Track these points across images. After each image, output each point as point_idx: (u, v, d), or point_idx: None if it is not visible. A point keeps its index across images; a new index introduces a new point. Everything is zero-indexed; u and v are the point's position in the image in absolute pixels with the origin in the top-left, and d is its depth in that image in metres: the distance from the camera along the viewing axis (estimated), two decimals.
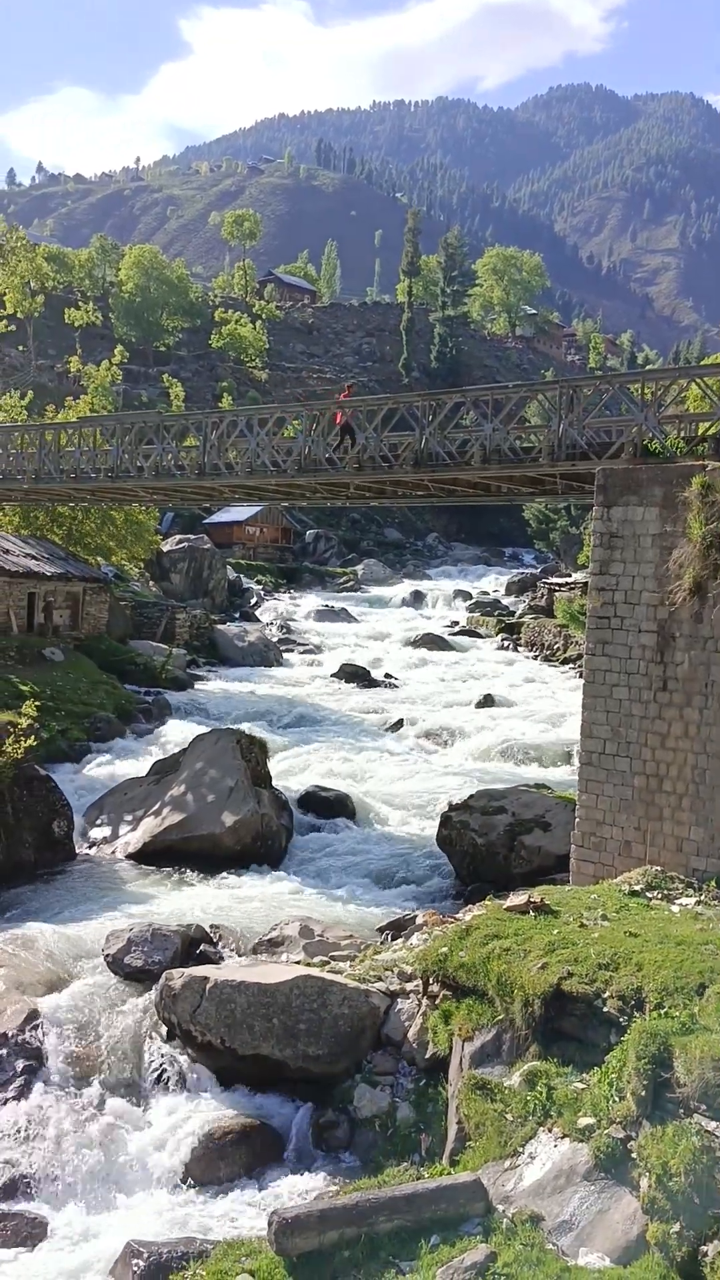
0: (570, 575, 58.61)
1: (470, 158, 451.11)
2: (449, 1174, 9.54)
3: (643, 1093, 8.52)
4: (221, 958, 14.85)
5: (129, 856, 21.04)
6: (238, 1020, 11.99)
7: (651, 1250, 7.89)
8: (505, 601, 66.25)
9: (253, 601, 63.37)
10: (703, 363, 68.30)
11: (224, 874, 19.88)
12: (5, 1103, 11.80)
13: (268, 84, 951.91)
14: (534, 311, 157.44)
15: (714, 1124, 8.05)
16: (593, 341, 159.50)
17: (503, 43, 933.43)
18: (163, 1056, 12.41)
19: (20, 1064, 12.25)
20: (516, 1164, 9.15)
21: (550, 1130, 9.21)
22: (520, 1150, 9.25)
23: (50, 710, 27.53)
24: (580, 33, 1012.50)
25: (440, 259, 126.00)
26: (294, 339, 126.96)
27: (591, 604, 16.11)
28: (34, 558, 37.90)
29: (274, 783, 23.08)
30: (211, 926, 15.96)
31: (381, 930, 16.24)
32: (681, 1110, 8.30)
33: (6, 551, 36.95)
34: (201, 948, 15.02)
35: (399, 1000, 12.35)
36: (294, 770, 26.82)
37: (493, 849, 19.20)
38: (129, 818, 22.21)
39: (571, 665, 43.04)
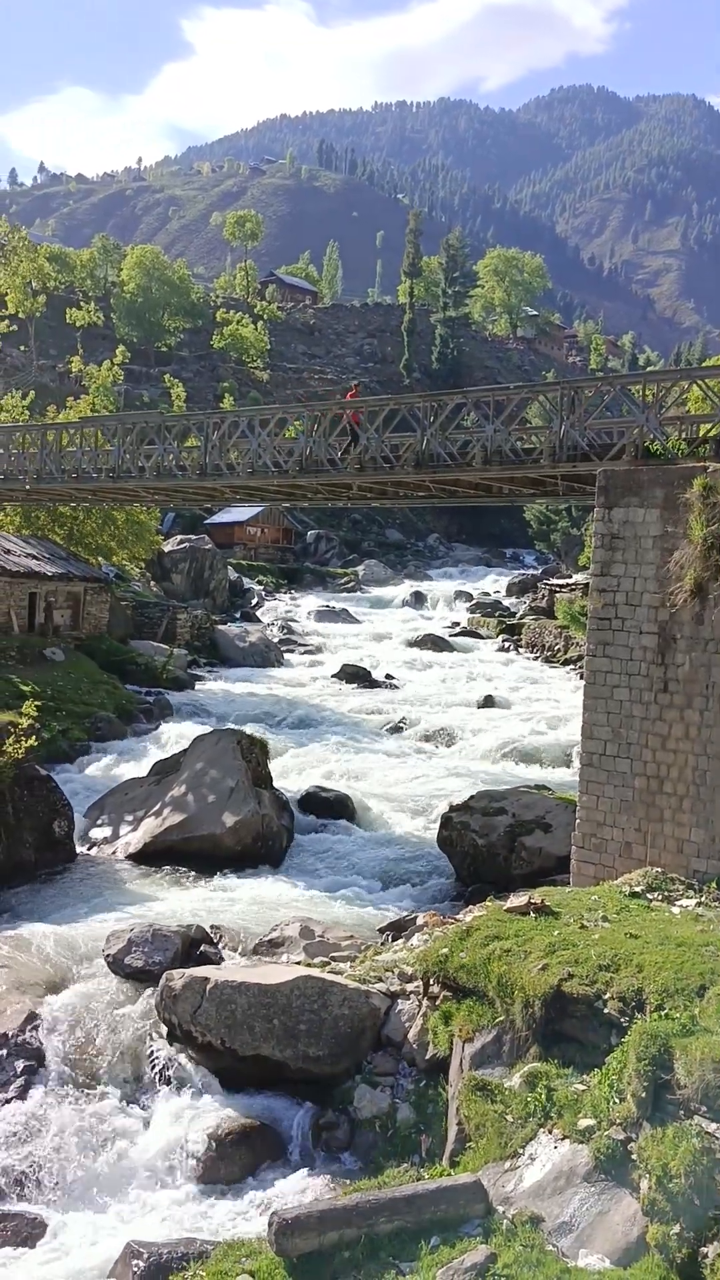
0: (571, 576, 58.61)
1: (472, 159, 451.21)
2: (449, 1175, 9.54)
3: (643, 1094, 8.52)
4: (222, 958, 14.86)
5: (129, 857, 21.04)
6: (238, 1021, 11.99)
7: (651, 1252, 7.89)
8: (506, 602, 66.26)
9: (254, 602, 63.39)
10: (704, 364, 68.32)
11: (224, 874, 19.88)
12: (5, 1103, 11.79)
13: (270, 84, 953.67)
14: (535, 313, 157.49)
15: (714, 1125, 8.05)
16: (594, 343, 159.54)
17: (505, 43, 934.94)
18: (163, 1057, 12.41)
19: (20, 1064, 12.25)
20: (517, 1165, 9.15)
21: (550, 1131, 9.21)
22: (520, 1151, 9.25)
23: (51, 710, 27.55)
24: (582, 34, 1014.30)
25: (442, 260, 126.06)
26: (295, 340, 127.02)
27: (592, 605, 16.12)
28: (35, 558, 37.91)
29: (274, 783, 23.08)
30: (212, 927, 15.97)
31: (382, 931, 16.24)
32: (682, 1112, 8.30)
33: (8, 551, 36.97)
34: (202, 948, 15.01)
35: (399, 1001, 12.36)
36: (295, 771, 26.83)
37: (493, 850, 19.20)
38: (129, 818, 22.22)
39: (572, 666, 43.05)
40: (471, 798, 20.97)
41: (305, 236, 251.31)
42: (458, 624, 59.20)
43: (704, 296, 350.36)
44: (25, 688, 28.60)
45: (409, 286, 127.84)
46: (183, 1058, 12.32)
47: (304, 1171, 10.92)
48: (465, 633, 56.44)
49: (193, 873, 20.04)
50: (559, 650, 48.04)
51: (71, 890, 18.97)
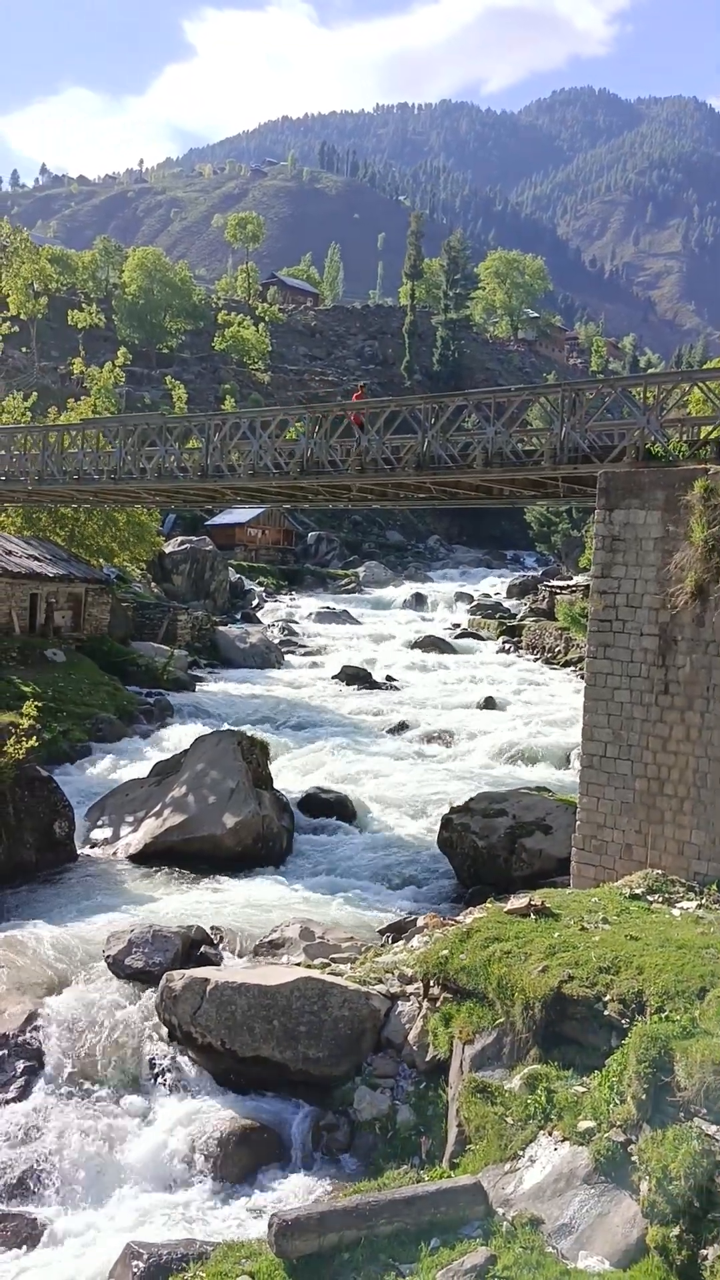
0: (572, 578, 58.62)
1: (473, 161, 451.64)
2: (449, 1177, 9.53)
3: (643, 1096, 8.52)
4: (222, 959, 14.87)
5: (130, 857, 21.04)
6: (238, 1022, 11.99)
7: (651, 1254, 7.88)
8: (506, 604, 66.30)
9: (254, 603, 63.44)
10: (705, 366, 68.33)
11: (225, 875, 19.88)
12: (5, 1104, 11.80)
13: (271, 86, 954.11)
14: (536, 315, 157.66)
15: (714, 1128, 8.04)
16: (595, 345, 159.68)
17: (506, 46, 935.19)
18: (163, 1058, 12.41)
19: (20, 1065, 12.25)
20: (517, 1167, 9.15)
21: (550, 1133, 9.21)
22: (520, 1153, 9.25)
23: (52, 711, 27.57)
24: (584, 36, 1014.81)
25: (443, 262, 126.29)
26: (296, 341, 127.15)
27: (593, 607, 16.12)
28: (36, 559, 37.94)
29: (275, 784, 23.09)
30: (212, 928, 15.96)
31: (382, 932, 16.23)
32: (682, 1114, 8.30)
33: (9, 553, 37.00)
34: (202, 949, 15.02)
35: (399, 1003, 12.35)
36: (295, 772, 26.84)
37: (493, 852, 19.20)
38: (130, 819, 22.22)
39: (573, 668, 43.05)
40: (472, 799, 20.97)
41: (307, 238, 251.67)
42: (458, 625, 59.23)
43: (705, 299, 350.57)
44: (26, 689, 28.61)
45: (410, 288, 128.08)
46: (183, 1059, 12.32)
47: (304, 1173, 10.92)
48: (466, 634, 56.47)
49: (193, 874, 20.04)
50: (559, 652, 48.05)
51: (72, 891, 18.97)
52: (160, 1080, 12.21)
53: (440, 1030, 11.34)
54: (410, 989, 12.46)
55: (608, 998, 9.74)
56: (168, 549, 58.12)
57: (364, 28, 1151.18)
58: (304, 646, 51.42)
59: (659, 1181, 7.97)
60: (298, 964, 13.82)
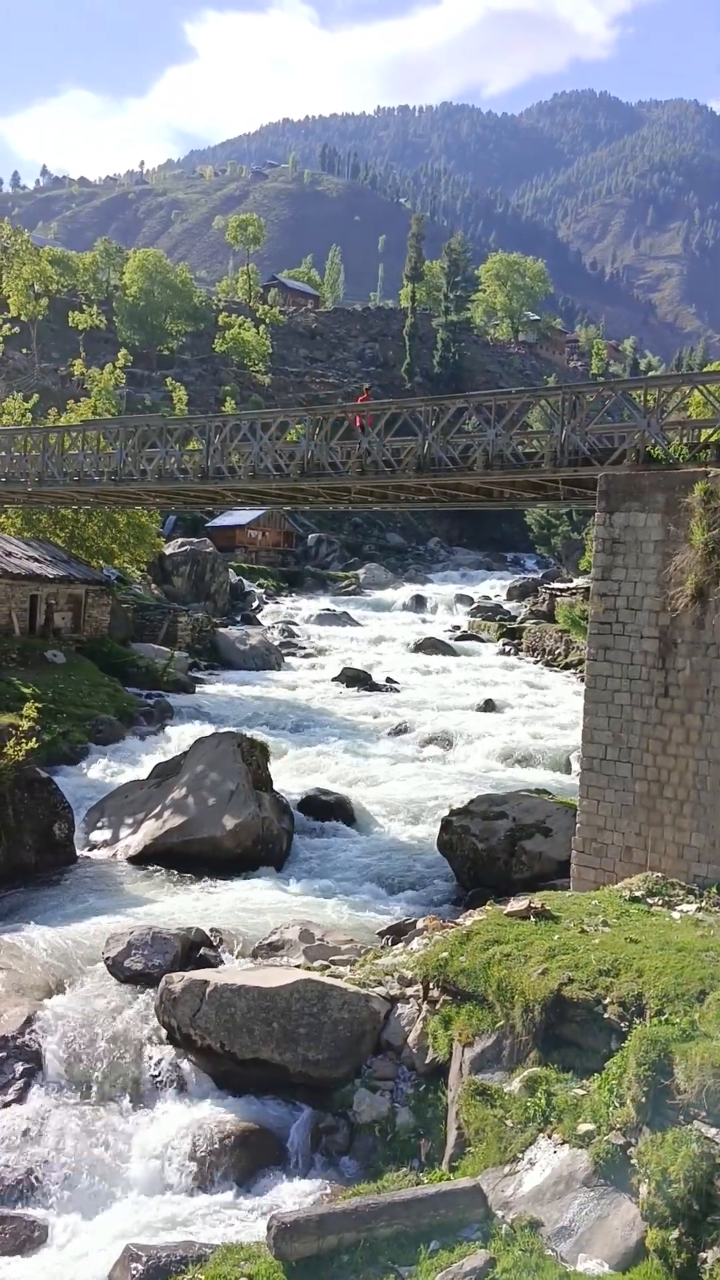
0: (572, 580, 58.67)
1: (474, 163, 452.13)
2: (448, 1179, 9.53)
3: (643, 1099, 8.52)
4: (221, 961, 14.86)
5: (129, 859, 21.04)
6: (238, 1024, 11.99)
7: (651, 1256, 7.88)
8: (507, 606, 66.33)
9: (254, 605, 63.45)
10: (705, 369, 68.40)
11: (224, 877, 19.86)
12: (5, 1106, 11.79)
13: (272, 88, 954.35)
14: (537, 317, 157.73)
15: (714, 1131, 8.04)
16: (595, 348, 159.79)
17: (508, 48, 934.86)
18: (162, 1060, 12.40)
19: (20, 1067, 12.24)
20: (516, 1170, 9.15)
21: (550, 1136, 9.21)
22: (520, 1156, 9.25)
23: (52, 712, 27.55)
24: (586, 39, 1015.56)
25: (443, 264, 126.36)
26: (297, 343, 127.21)
27: (593, 609, 16.13)
28: (36, 560, 37.95)
29: (275, 786, 23.07)
30: (212, 930, 15.95)
31: (382, 935, 16.23)
32: (681, 1117, 8.29)
33: (9, 554, 37.00)
34: (201, 951, 15.01)
35: (399, 1005, 12.35)
36: (295, 774, 26.83)
37: (493, 854, 19.20)
38: (130, 820, 22.22)
39: (573, 670, 43.07)
40: (472, 802, 20.96)
41: (307, 240, 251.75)
42: (458, 628, 59.27)
43: (705, 302, 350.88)
44: (26, 690, 28.60)
45: (411, 291, 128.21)
46: (182, 1061, 12.32)
47: (303, 1175, 10.91)
48: (466, 636, 56.51)
49: (192, 875, 20.03)
50: (559, 654, 48.08)
51: (71, 892, 18.96)
52: (159, 1083, 12.20)
53: (440, 1033, 11.34)
54: (410, 991, 12.46)
55: (607, 1000, 9.74)
56: (168, 550, 58.13)
57: (365, 30, 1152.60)
58: (304, 648, 51.43)
59: (658, 1184, 7.96)
60: (297, 966, 13.81)
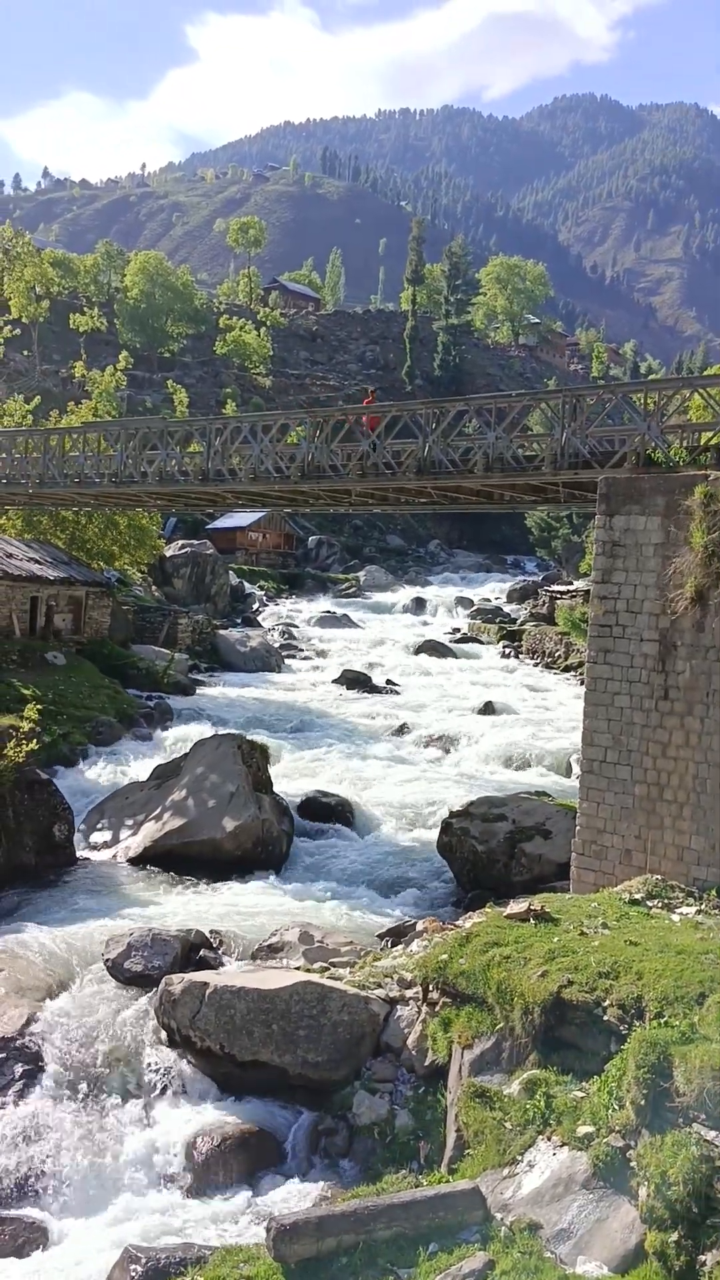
0: (572, 583, 58.70)
1: (475, 167, 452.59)
2: (447, 1182, 9.53)
3: (642, 1102, 8.52)
4: (221, 963, 14.85)
5: (129, 861, 21.04)
6: (237, 1026, 11.99)
7: (650, 1259, 7.88)
8: (507, 609, 66.32)
9: (255, 607, 63.47)
10: (705, 373, 68.48)
11: (224, 879, 19.87)
12: (4, 1107, 11.79)
13: (273, 91, 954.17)
14: (537, 320, 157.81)
15: (713, 1133, 8.05)
16: (596, 351, 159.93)
17: (509, 52, 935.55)
18: (162, 1062, 12.41)
19: (19, 1068, 12.25)
20: (515, 1172, 9.15)
21: (549, 1138, 9.21)
22: (519, 1158, 9.25)
23: (52, 714, 27.54)
24: (587, 43, 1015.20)
25: (444, 267, 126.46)
26: (298, 346, 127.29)
27: (593, 612, 16.14)
28: (37, 562, 37.95)
29: (275, 788, 23.08)
30: (211, 932, 15.95)
31: (381, 937, 16.23)
32: (681, 1119, 8.30)
33: (10, 555, 37.01)
34: (201, 953, 15.02)
35: (398, 1007, 12.35)
36: (295, 776, 26.82)
37: (493, 856, 19.20)
38: (130, 822, 22.22)
39: (573, 673, 43.07)
40: (471, 804, 20.96)
41: (308, 243, 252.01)
42: (458, 630, 59.28)
43: (706, 305, 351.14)
44: (26, 691, 28.60)
45: (411, 294, 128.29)
46: (182, 1063, 12.32)
47: (302, 1178, 10.91)
48: (466, 639, 56.52)
49: (192, 877, 20.03)
50: (560, 657, 48.08)
51: (71, 894, 18.96)
52: (159, 1084, 12.20)
53: (439, 1035, 11.34)
54: (409, 993, 12.46)
55: (607, 1003, 9.74)
56: (168, 552, 58.15)
57: (366, 33, 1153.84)
58: (304, 650, 51.44)
59: (658, 1187, 7.97)
60: (297, 968, 13.82)
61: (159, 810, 21.74)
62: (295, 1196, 10.51)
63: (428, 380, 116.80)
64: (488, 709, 36.33)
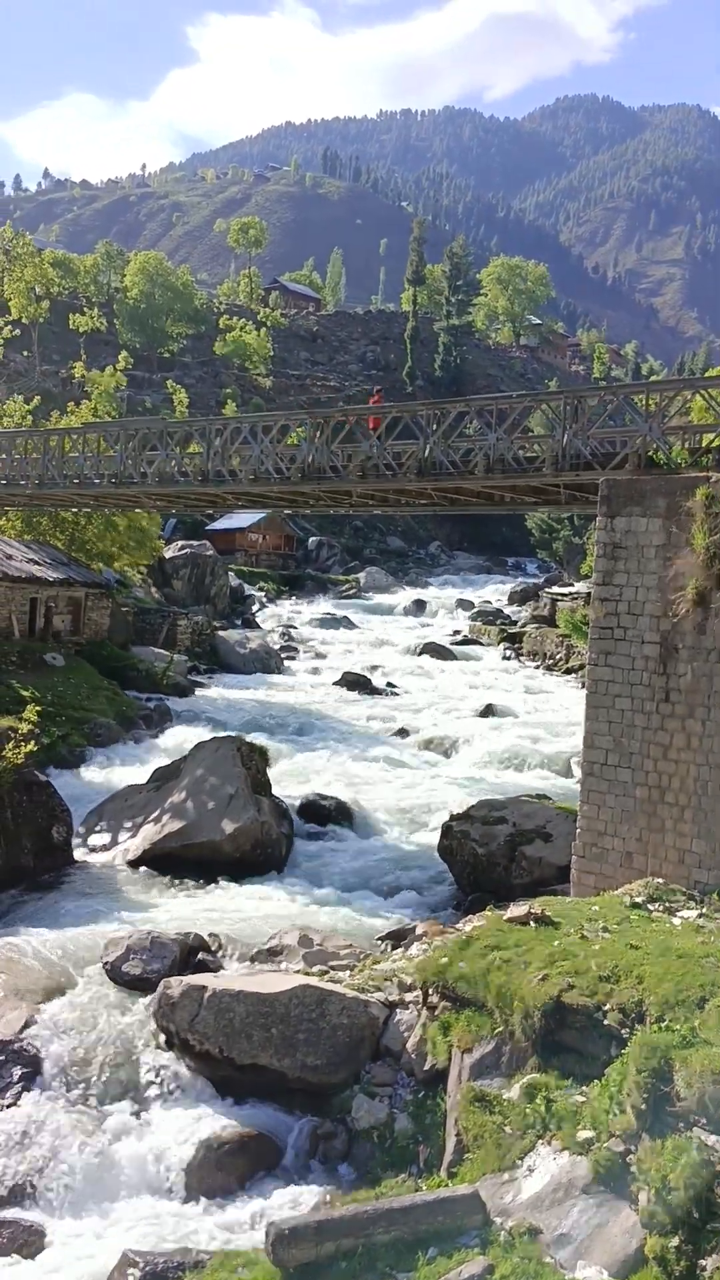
0: (573, 585, 58.72)
1: (476, 167, 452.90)
2: (447, 1186, 9.50)
3: (643, 1106, 8.49)
4: (220, 966, 14.81)
5: (128, 863, 21.01)
6: (236, 1029, 11.95)
7: (650, 1264, 7.84)
8: (507, 611, 66.34)
9: (254, 608, 63.46)
10: (707, 374, 68.45)
11: (223, 881, 19.84)
12: (2, 1109, 11.76)
13: (274, 91, 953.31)
14: (538, 321, 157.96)
15: (714, 1138, 8.01)
16: (597, 352, 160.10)
17: (510, 52, 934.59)
18: (160, 1065, 12.36)
19: (17, 1071, 12.21)
20: (515, 1176, 9.11)
21: (549, 1143, 9.18)
22: (519, 1163, 9.21)
23: (51, 716, 27.52)
24: (588, 43, 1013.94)
25: (445, 268, 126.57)
26: (298, 346, 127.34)
27: (594, 614, 16.11)
28: (36, 563, 37.94)
29: (274, 790, 23.04)
30: (210, 934, 15.92)
31: (381, 940, 16.21)
32: (681, 1124, 8.26)
33: (9, 557, 37.00)
34: (200, 956, 14.98)
35: (398, 1011, 12.31)
36: (294, 778, 26.80)
37: (493, 859, 19.17)
38: (129, 824, 22.19)
39: (574, 675, 43.06)
40: (472, 806, 20.93)
41: (309, 243, 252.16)
42: (459, 632, 59.28)
43: (707, 306, 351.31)
44: (25, 693, 28.59)
45: (412, 294, 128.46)
46: (180, 1066, 12.28)
47: (301, 1182, 10.87)
48: (466, 641, 56.53)
49: (191, 880, 19.99)
50: (560, 659, 48.07)
51: (69, 896, 18.93)
52: (157, 1088, 12.16)
53: (439, 1038, 11.30)
54: (409, 997, 12.42)
55: (607, 1007, 9.70)
56: (168, 554, 58.15)
57: (367, 33, 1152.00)
58: (304, 652, 51.42)
59: (658, 1192, 7.93)
60: (296, 971, 13.78)
61: (158, 812, 21.70)
62: (294, 1200, 10.47)
63: (428, 381, 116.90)
64: (488, 711, 36.33)
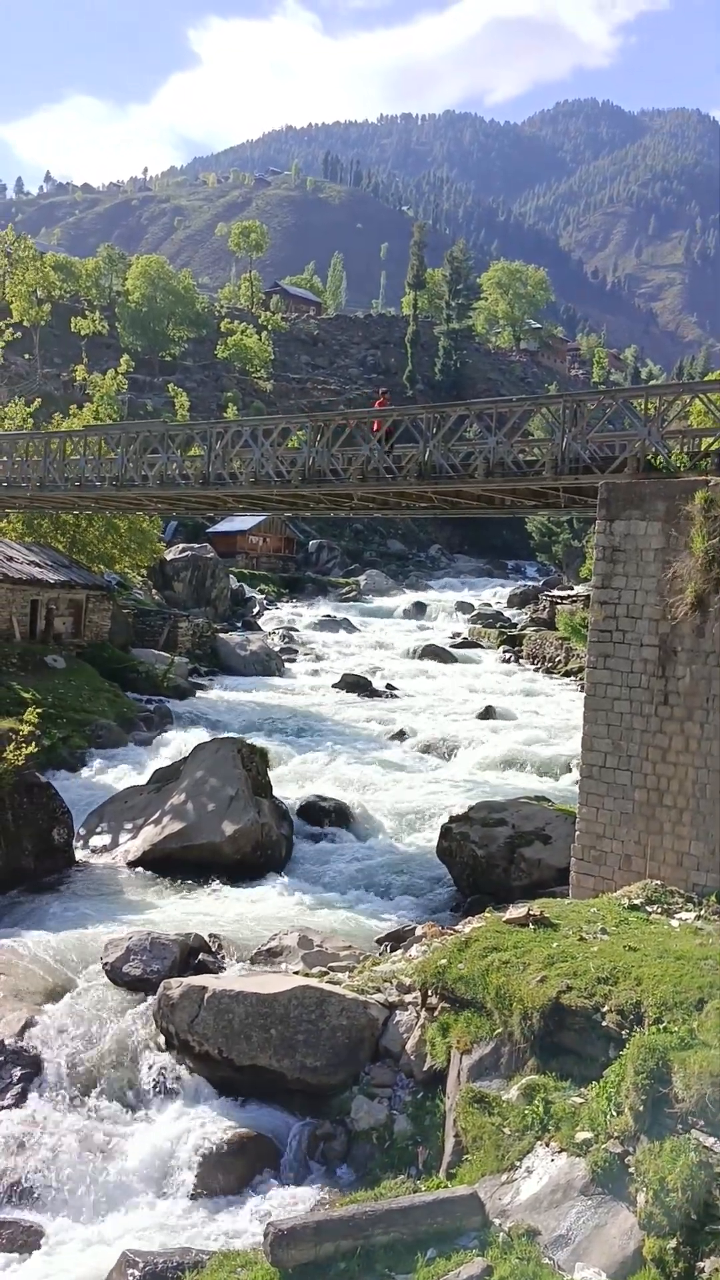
0: (572, 588, 58.72)
1: (476, 171, 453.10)
2: (446, 1187, 9.52)
3: (641, 1108, 8.51)
4: (220, 967, 14.83)
5: (129, 865, 21.03)
6: (236, 1030, 11.98)
7: (648, 1265, 7.87)
8: (507, 614, 66.37)
9: (255, 611, 63.49)
10: (706, 378, 68.52)
11: (223, 883, 19.86)
12: (2, 1110, 11.78)
13: (276, 95, 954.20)
14: (538, 325, 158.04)
15: (712, 1140, 8.04)
16: (596, 356, 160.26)
17: (511, 56, 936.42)
18: (160, 1066, 12.39)
19: (17, 1072, 12.24)
20: (514, 1178, 9.13)
21: (548, 1144, 9.20)
22: (517, 1164, 9.24)
23: (52, 718, 27.56)
24: (589, 48, 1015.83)
25: (445, 272, 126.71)
26: (299, 350, 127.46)
27: (593, 617, 16.14)
28: (37, 565, 37.97)
29: (274, 792, 23.07)
30: (210, 936, 15.94)
31: (380, 941, 16.22)
32: (679, 1125, 8.29)
33: (10, 559, 37.04)
34: (200, 957, 15.00)
35: (397, 1012, 12.33)
36: (295, 780, 26.82)
37: (493, 861, 19.19)
38: (129, 826, 22.21)
39: (573, 678, 43.07)
40: (471, 808, 20.96)
41: (310, 247, 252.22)
42: (459, 635, 59.29)
43: (706, 311, 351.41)
44: (26, 695, 28.62)
45: (413, 298, 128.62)
46: (180, 1067, 12.30)
47: (300, 1182, 10.89)
48: (466, 643, 56.53)
49: (191, 881, 20.02)
50: (560, 662, 48.08)
51: (70, 898, 18.95)
52: (157, 1088, 12.19)
53: (438, 1040, 11.33)
54: (408, 998, 12.44)
55: (606, 1008, 9.73)
56: (169, 556, 58.20)
57: (368, 37, 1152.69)
58: (305, 654, 51.45)
59: (656, 1193, 7.96)
60: (296, 972, 13.80)
61: (158, 814, 21.72)
62: (293, 1201, 10.49)
63: (428, 385, 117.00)
64: (488, 714, 36.35)
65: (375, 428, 22.75)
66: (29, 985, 13.87)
